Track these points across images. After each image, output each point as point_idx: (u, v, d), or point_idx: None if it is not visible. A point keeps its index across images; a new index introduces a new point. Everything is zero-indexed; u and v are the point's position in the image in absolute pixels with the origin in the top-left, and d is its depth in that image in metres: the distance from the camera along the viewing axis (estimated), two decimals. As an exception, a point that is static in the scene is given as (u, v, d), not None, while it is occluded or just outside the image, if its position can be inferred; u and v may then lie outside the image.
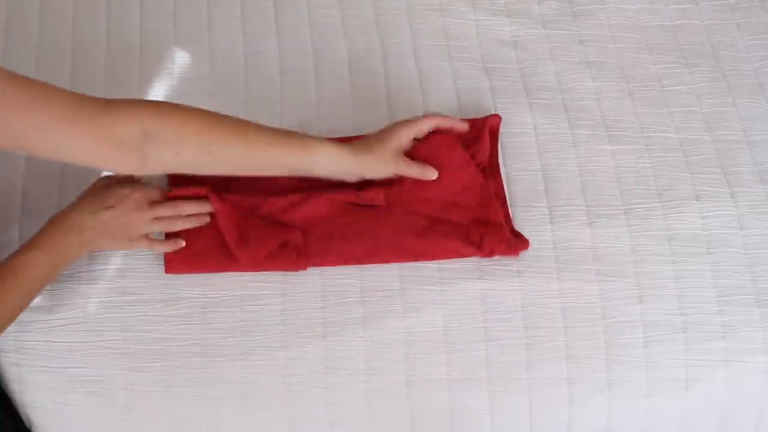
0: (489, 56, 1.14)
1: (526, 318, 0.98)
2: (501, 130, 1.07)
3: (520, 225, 1.02)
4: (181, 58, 1.09)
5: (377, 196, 0.97)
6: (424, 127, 0.97)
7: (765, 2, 1.23)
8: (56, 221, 0.89)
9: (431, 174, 0.97)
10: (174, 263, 0.95)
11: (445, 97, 1.09)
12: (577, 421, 0.98)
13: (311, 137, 0.91)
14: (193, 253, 0.95)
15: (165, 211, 0.94)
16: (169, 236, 0.95)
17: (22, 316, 0.89)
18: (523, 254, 1.00)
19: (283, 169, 0.91)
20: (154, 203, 0.94)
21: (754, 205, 1.05)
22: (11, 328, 0.90)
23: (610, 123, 1.10)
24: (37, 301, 0.95)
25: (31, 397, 0.94)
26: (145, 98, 1.05)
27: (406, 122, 0.96)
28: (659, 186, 1.06)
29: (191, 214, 0.95)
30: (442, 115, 1.00)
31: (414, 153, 0.97)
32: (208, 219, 0.96)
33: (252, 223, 0.96)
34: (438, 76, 1.11)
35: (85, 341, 0.94)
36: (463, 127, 1.00)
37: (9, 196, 1.00)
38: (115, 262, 0.97)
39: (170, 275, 0.96)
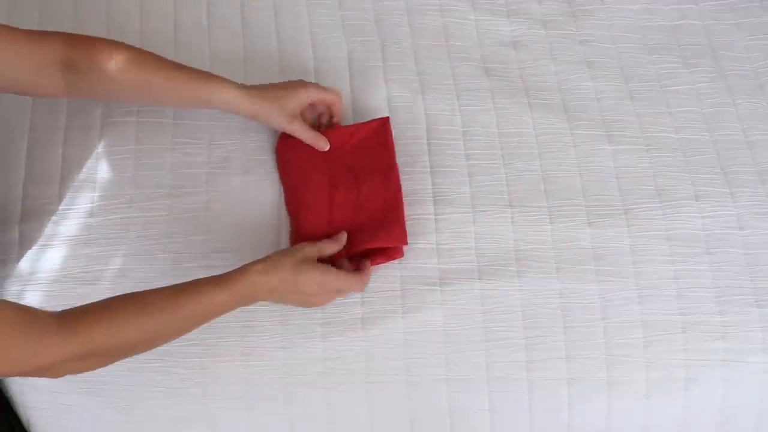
0: (489, 56, 1.14)
1: (526, 318, 0.98)
2: (500, 130, 1.07)
3: (520, 225, 1.02)
4: (181, 58, 1.09)
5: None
6: (328, 98, 1.00)
7: (765, 2, 1.23)
8: (254, 275, 0.86)
9: (324, 144, 1.01)
10: None
11: (445, 97, 1.09)
12: (577, 421, 0.99)
13: (218, 77, 0.95)
14: None
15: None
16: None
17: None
18: (523, 254, 1.00)
19: (184, 102, 0.96)
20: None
21: (754, 205, 1.05)
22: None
23: (610, 123, 1.10)
24: (36, 301, 0.95)
25: (31, 398, 0.94)
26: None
27: (313, 85, 0.99)
28: (659, 186, 1.06)
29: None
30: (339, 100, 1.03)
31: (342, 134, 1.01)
32: None
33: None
34: (438, 76, 1.11)
35: (85, 341, 0.94)
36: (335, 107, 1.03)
37: (9, 198, 1.00)
38: (115, 262, 0.97)
39: (167, 276, 0.96)
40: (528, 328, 0.98)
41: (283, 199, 1.02)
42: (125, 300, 0.82)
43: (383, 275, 0.98)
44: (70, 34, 0.91)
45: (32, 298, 0.95)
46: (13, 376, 0.78)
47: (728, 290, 1.01)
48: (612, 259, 1.01)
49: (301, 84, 0.99)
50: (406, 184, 1.02)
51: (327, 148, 1.01)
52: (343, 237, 0.96)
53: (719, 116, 1.12)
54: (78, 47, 0.89)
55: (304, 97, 0.98)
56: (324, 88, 1.01)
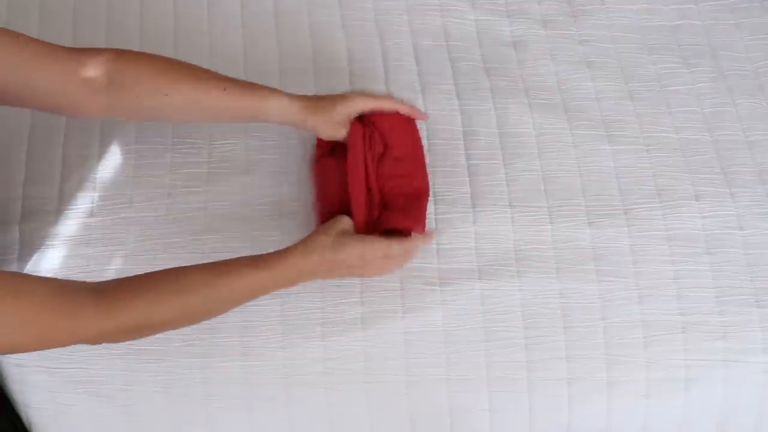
0: (489, 56, 1.14)
1: (526, 318, 0.98)
2: (500, 130, 1.07)
3: (520, 225, 1.02)
4: (181, 58, 1.09)
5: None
6: (385, 106, 0.98)
7: (765, 2, 1.23)
8: (294, 257, 0.86)
9: (419, 114, 1.00)
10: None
11: (445, 97, 1.09)
12: (577, 421, 0.99)
13: (267, 87, 0.93)
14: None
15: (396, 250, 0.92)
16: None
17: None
18: (523, 254, 1.00)
19: (236, 114, 0.93)
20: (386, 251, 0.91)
21: (754, 205, 1.05)
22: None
23: (610, 123, 1.10)
24: (37, 301, 0.95)
25: (32, 398, 0.94)
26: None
27: (367, 95, 0.98)
28: (659, 186, 1.06)
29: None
30: (404, 101, 1.01)
31: (375, 123, 0.98)
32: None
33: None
34: (438, 76, 1.11)
35: (85, 341, 0.94)
36: (420, 114, 1.02)
37: (9, 198, 1.00)
38: (115, 262, 0.97)
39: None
40: (528, 328, 0.98)
41: (282, 198, 1.02)
42: (165, 278, 0.81)
43: (383, 275, 0.98)
44: (115, 50, 0.87)
45: (32, 298, 0.95)
46: (51, 348, 0.78)
47: (728, 290, 1.01)
48: (612, 259, 1.01)
49: (355, 94, 0.97)
50: (406, 184, 1.02)
51: (424, 116, 1.02)
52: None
53: (719, 116, 1.12)
54: (124, 62, 0.86)
55: (358, 106, 0.96)
56: (378, 98, 0.98)
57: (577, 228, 1.02)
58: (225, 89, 0.89)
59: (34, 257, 0.98)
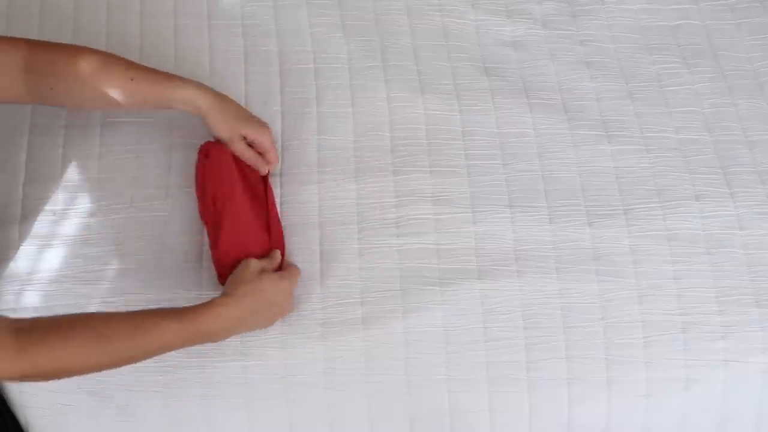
0: (489, 56, 1.14)
1: (526, 318, 0.98)
2: (499, 130, 1.07)
3: (520, 225, 1.02)
4: (181, 58, 1.09)
5: None
6: (259, 139, 0.98)
7: (765, 2, 1.23)
8: (217, 308, 0.86)
9: (263, 168, 1.00)
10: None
11: (445, 97, 1.09)
12: (577, 421, 0.99)
13: (177, 77, 0.93)
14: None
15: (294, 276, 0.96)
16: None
17: (23, 317, 0.89)
18: (523, 254, 1.00)
19: (143, 103, 0.94)
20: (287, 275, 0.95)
21: (754, 205, 1.05)
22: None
23: (610, 123, 1.10)
24: (36, 301, 0.95)
25: (31, 398, 0.94)
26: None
27: (256, 122, 0.99)
28: (659, 186, 1.06)
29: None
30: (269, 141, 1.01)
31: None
32: None
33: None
34: (438, 76, 1.11)
35: (85, 341, 0.94)
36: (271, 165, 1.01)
37: (9, 198, 1.00)
38: (115, 262, 0.97)
39: (168, 276, 0.96)
40: (528, 328, 0.98)
41: (281, 198, 1.02)
42: (86, 324, 0.80)
43: (383, 275, 0.98)
44: (33, 40, 0.90)
45: (32, 298, 0.95)
46: None
47: (728, 290, 1.01)
48: (612, 259, 1.01)
49: (256, 122, 0.99)
50: (407, 184, 1.02)
51: (266, 171, 1.01)
52: (278, 254, 0.97)
53: (719, 116, 1.12)
54: (40, 51, 0.88)
55: (243, 126, 0.97)
56: (260, 129, 0.98)
57: (577, 228, 1.02)
58: (132, 79, 0.91)
59: (34, 257, 0.98)
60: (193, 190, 1.01)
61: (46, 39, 0.91)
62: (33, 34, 1.09)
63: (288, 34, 1.13)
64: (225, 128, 0.96)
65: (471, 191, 1.03)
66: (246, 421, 0.96)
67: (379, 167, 1.04)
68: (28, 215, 0.99)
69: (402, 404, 0.97)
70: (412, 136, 1.06)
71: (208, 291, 0.96)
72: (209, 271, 0.97)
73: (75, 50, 0.90)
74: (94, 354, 0.80)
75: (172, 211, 1.00)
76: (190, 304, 0.86)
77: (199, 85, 0.94)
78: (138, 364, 0.92)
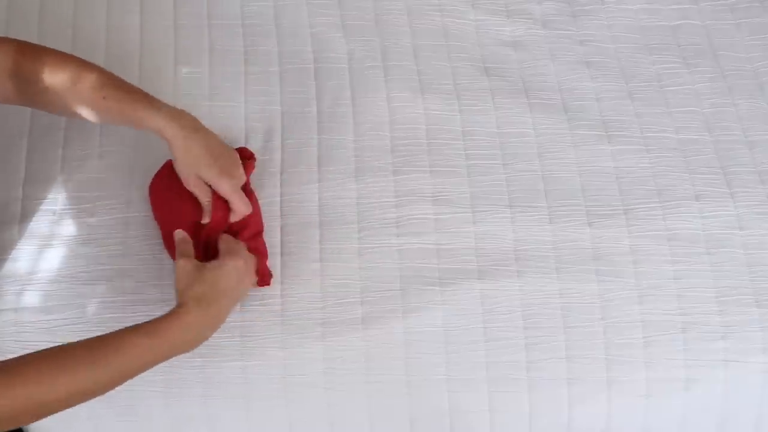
0: (489, 56, 1.14)
1: (526, 318, 0.98)
2: (499, 130, 1.07)
3: (520, 225, 1.02)
4: (180, 58, 1.09)
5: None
6: (216, 187, 0.93)
7: (765, 2, 1.23)
8: (177, 325, 0.83)
9: (205, 217, 0.94)
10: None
11: (445, 97, 1.09)
12: (577, 421, 0.99)
13: (150, 102, 0.89)
14: None
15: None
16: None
17: (23, 317, 0.89)
18: (523, 254, 1.00)
19: (114, 121, 0.92)
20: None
21: (754, 205, 1.05)
22: (12, 328, 0.90)
23: (610, 123, 1.10)
24: (36, 301, 0.95)
25: (31, 398, 0.94)
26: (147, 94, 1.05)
27: (218, 169, 0.92)
28: (659, 186, 1.06)
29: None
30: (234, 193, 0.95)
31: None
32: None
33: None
34: (438, 76, 1.11)
35: (85, 341, 0.94)
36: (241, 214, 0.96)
37: (9, 198, 1.00)
38: (115, 262, 0.97)
39: (168, 276, 0.96)
40: (528, 328, 0.98)
41: (281, 198, 1.02)
42: (46, 358, 0.76)
43: (383, 275, 0.98)
44: (21, 42, 0.89)
45: (32, 298, 0.95)
46: None
47: (728, 290, 1.01)
48: (612, 259, 1.01)
49: (218, 168, 0.92)
50: (407, 183, 1.02)
51: (207, 220, 0.94)
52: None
53: (719, 116, 1.12)
54: (26, 55, 0.87)
55: (206, 177, 0.92)
56: (219, 187, 0.93)
57: (577, 228, 1.02)
58: (104, 97, 0.88)
59: (34, 257, 0.98)
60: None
61: (45, 39, 0.91)
62: (32, 34, 1.09)
63: (288, 34, 1.13)
64: (182, 166, 0.92)
65: (471, 191, 1.03)
66: (246, 421, 0.96)
67: (379, 167, 1.04)
68: (27, 215, 0.99)
69: (402, 404, 0.97)
70: (412, 136, 1.06)
71: (208, 291, 0.96)
72: (209, 271, 0.97)
73: (59, 60, 0.88)
74: (61, 386, 0.76)
75: (172, 211, 1.00)
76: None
77: (173, 116, 0.89)
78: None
